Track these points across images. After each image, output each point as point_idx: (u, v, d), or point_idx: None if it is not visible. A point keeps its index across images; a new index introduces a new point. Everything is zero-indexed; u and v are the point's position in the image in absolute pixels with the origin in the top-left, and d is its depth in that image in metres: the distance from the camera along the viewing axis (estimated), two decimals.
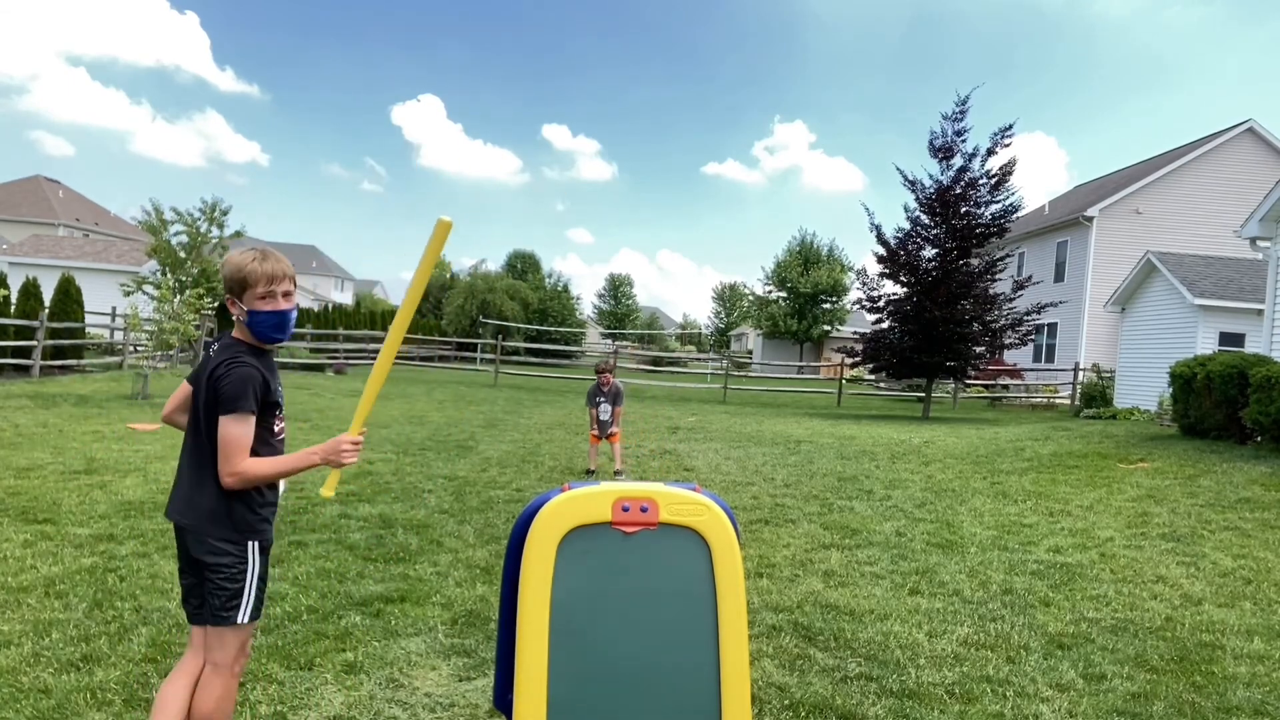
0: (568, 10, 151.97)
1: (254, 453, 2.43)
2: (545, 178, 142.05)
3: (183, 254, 22.27)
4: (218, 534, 2.42)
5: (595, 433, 9.13)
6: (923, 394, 21.01)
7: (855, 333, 23.15)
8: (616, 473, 8.87)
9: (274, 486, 2.57)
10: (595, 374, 9.34)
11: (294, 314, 2.53)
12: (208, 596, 2.44)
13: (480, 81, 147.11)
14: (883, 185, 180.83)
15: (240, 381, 2.36)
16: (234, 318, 2.50)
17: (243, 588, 2.44)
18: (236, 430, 2.36)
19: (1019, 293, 19.95)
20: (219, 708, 2.45)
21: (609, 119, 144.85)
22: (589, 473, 9.08)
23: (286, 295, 2.49)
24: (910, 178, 19.89)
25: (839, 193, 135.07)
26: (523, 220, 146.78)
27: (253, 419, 2.39)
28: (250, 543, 2.46)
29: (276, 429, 2.53)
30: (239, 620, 2.45)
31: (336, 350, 27.81)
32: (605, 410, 9.00)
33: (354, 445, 2.47)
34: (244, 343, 2.49)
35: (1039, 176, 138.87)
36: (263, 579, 2.50)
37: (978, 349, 19.92)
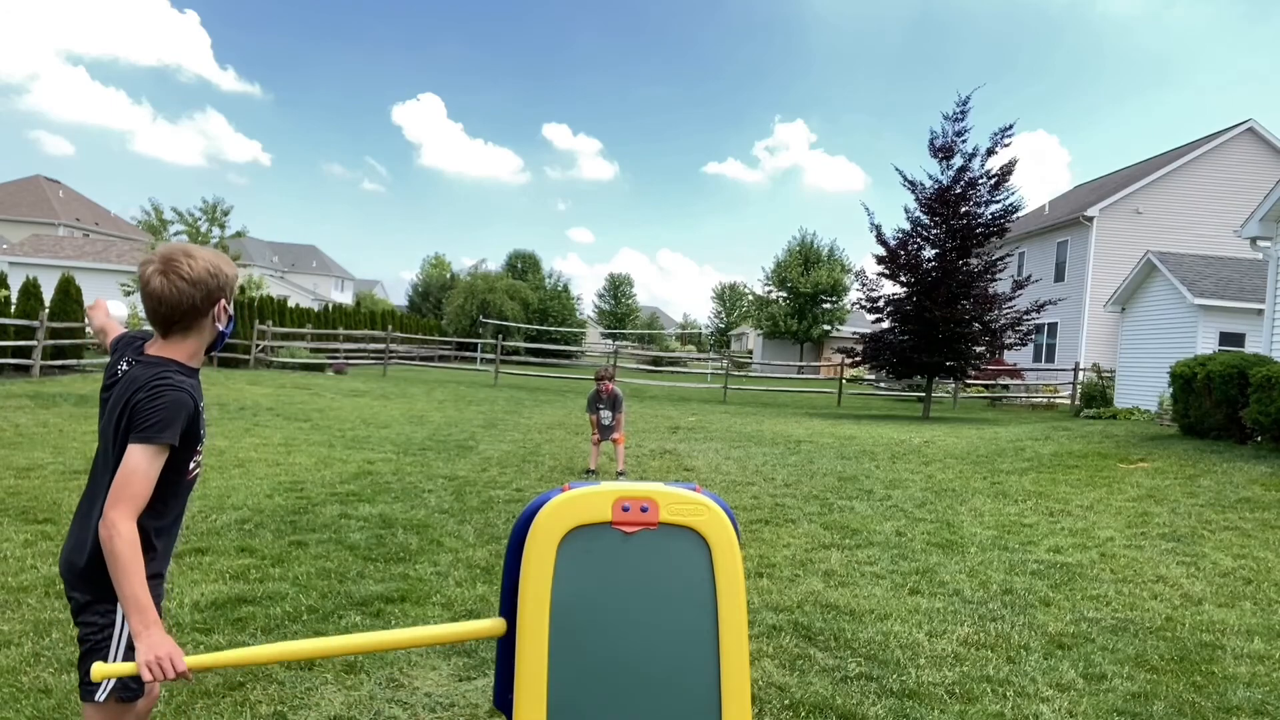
0: (568, 9, 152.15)
1: (157, 496, 1.97)
2: (546, 177, 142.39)
3: None
4: (84, 589, 1.99)
5: (597, 436, 9.17)
6: (923, 394, 21.01)
7: (855, 333, 23.17)
8: (619, 474, 8.88)
9: (163, 539, 2.09)
10: (595, 380, 9.35)
11: None
12: (80, 662, 2.04)
13: (480, 81, 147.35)
14: (884, 185, 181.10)
15: (174, 408, 1.95)
16: (215, 325, 2.12)
17: (105, 659, 2.00)
18: (146, 463, 1.91)
19: (1018, 292, 19.96)
20: None
21: (610, 118, 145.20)
22: (589, 472, 9.09)
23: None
24: (910, 178, 19.90)
25: (840, 192, 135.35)
26: (523, 220, 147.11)
27: (165, 454, 1.96)
28: (119, 603, 1.96)
29: (191, 466, 2.11)
30: (97, 697, 2.01)
31: (336, 350, 27.82)
32: (606, 416, 9.04)
33: (163, 664, 1.83)
34: (176, 361, 2.07)
35: (1041, 175, 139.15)
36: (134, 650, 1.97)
37: (978, 349, 19.92)
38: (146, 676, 1.83)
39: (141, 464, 1.90)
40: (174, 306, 2.02)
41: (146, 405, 1.93)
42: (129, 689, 2.02)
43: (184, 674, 1.85)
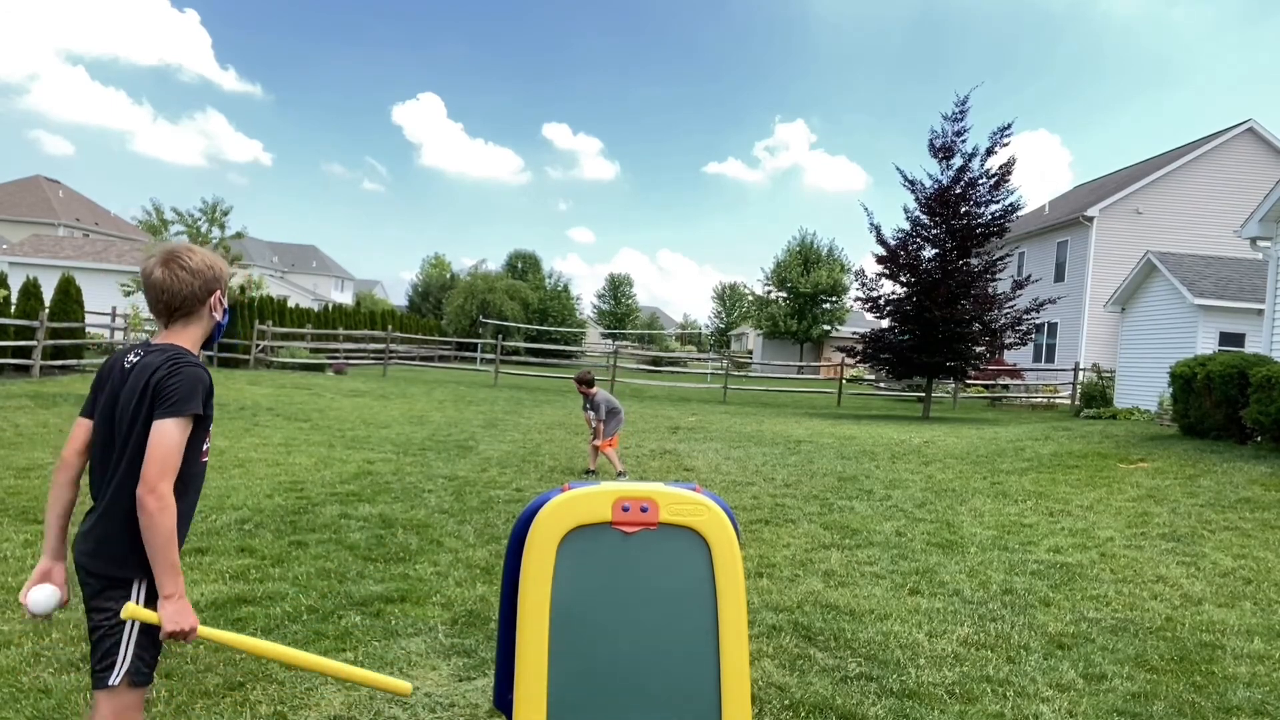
0: (569, 9, 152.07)
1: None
2: (547, 177, 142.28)
3: None
4: (99, 568, 2.07)
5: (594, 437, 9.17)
6: (923, 394, 21.01)
7: (855, 333, 23.16)
8: (619, 474, 8.87)
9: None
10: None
11: None
12: (91, 650, 2.11)
13: (481, 80, 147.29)
14: (884, 185, 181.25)
15: (192, 382, 2.07)
16: (213, 314, 2.26)
17: (118, 641, 2.04)
18: (177, 435, 2.03)
19: (1018, 292, 19.96)
20: None
21: (610, 118, 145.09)
22: (589, 472, 9.09)
23: None
24: (910, 178, 19.91)
25: (840, 192, 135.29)
26: (524, 220, 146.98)
27: (191, 426, 2.08)
28: (136, 581, 2.07)
29: (205, 447, 2.22)
30: (111, 681, 2.03)
31: (336, 350, 27.81)
32: (591, 418, 9.03)
33: (183, 631, 2.03)
34: (182, 347, 2.19)
35: (1043, 175, 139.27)
36: (147, 633, 2.07)
37: (978, 349, 19.92)
38: (167, 631, 2.02)
39: (174, 436, 2.03)
40: (175, 294, 2.18)
41: (168, 382, 2.05)
42: (140, 673, 2.07)
43: (184, 632, 2.05)
